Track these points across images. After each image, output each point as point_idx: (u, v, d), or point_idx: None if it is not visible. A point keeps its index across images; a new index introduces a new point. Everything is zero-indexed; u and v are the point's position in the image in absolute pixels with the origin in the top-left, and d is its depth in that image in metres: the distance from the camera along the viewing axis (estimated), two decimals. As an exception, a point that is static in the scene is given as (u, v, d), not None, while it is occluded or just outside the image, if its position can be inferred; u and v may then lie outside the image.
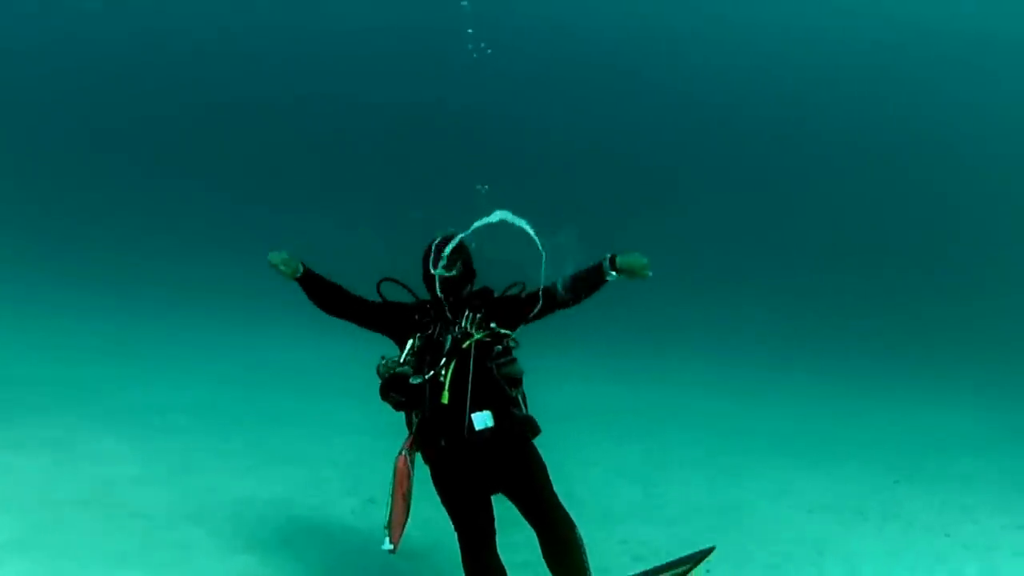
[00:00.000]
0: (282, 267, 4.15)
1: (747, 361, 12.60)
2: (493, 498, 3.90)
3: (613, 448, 7.67)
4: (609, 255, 4.00)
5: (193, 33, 24.96)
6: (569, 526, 3.87)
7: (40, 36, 25.32)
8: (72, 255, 16.39)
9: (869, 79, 23.28)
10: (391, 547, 3.76)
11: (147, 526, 4.99)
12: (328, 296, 4.27)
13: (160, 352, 11.01)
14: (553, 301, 4.03)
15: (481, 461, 3.83)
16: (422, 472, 3.91)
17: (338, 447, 6.97)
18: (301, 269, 4.20)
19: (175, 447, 6.73)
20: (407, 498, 3.89)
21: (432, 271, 4.01)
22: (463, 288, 4.08)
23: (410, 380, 3.87)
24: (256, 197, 20.93)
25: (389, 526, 3.80)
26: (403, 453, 3.92)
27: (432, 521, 4.34)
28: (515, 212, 3.88)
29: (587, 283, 4.00)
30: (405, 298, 4.26)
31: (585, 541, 4.24)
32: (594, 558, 4.78)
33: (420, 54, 23.05)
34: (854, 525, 5.74)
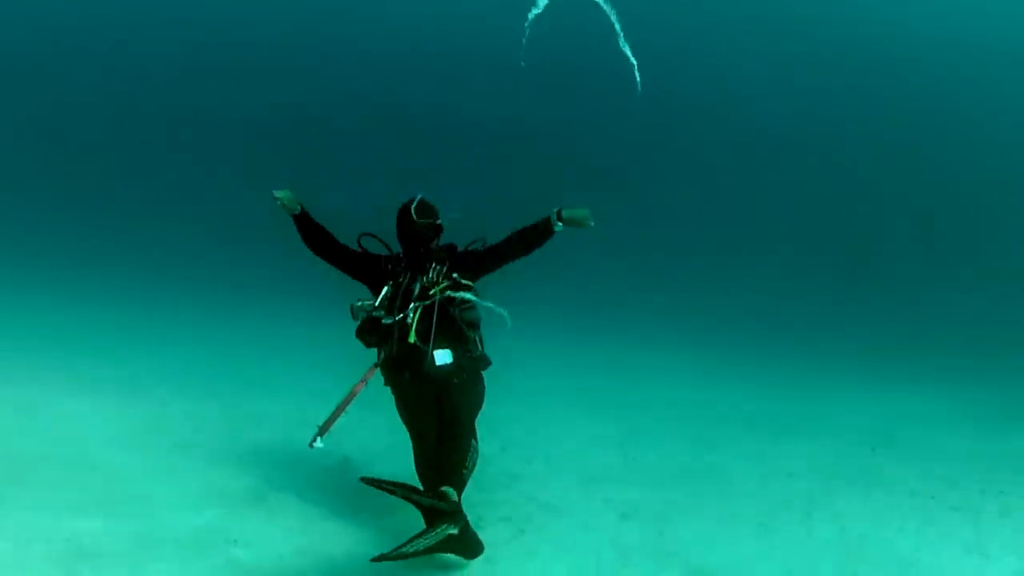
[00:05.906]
0: (285, 203, 4.76)
1: (717, 344, 12.51)
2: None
3: (588, 423, 7.46)
4: (556, 209, 4.67)
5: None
6: (463, 433, 4.39)
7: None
8: (44, 227, 16.11)
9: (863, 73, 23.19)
10: (318, 444, 4.52)
11: (109, 479, 4.85)
12: (319, 238, 4.88)
13: (135, 321, 10.90)
14: (507, 253, 4.77)
15: (435, 388, 4.56)
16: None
17: (311, 411, 6.79)
18: (299, 209, 4.83)
19: (148, 412, 6.58)
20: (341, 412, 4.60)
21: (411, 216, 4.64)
22: (431, 241, 4.69)
23: (382, 321, 4.57)
24: (249, 170, 20.39)
25: (322, 429, 4.53)
26: (364, 380, 4.65)
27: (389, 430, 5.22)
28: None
29: (537, 234, 4.71)
30: (383, 252, 4.91)
31: (559, 498, 4.99)
32: (579, 516, 4.75)
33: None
34: (837, 488, 5.64)
